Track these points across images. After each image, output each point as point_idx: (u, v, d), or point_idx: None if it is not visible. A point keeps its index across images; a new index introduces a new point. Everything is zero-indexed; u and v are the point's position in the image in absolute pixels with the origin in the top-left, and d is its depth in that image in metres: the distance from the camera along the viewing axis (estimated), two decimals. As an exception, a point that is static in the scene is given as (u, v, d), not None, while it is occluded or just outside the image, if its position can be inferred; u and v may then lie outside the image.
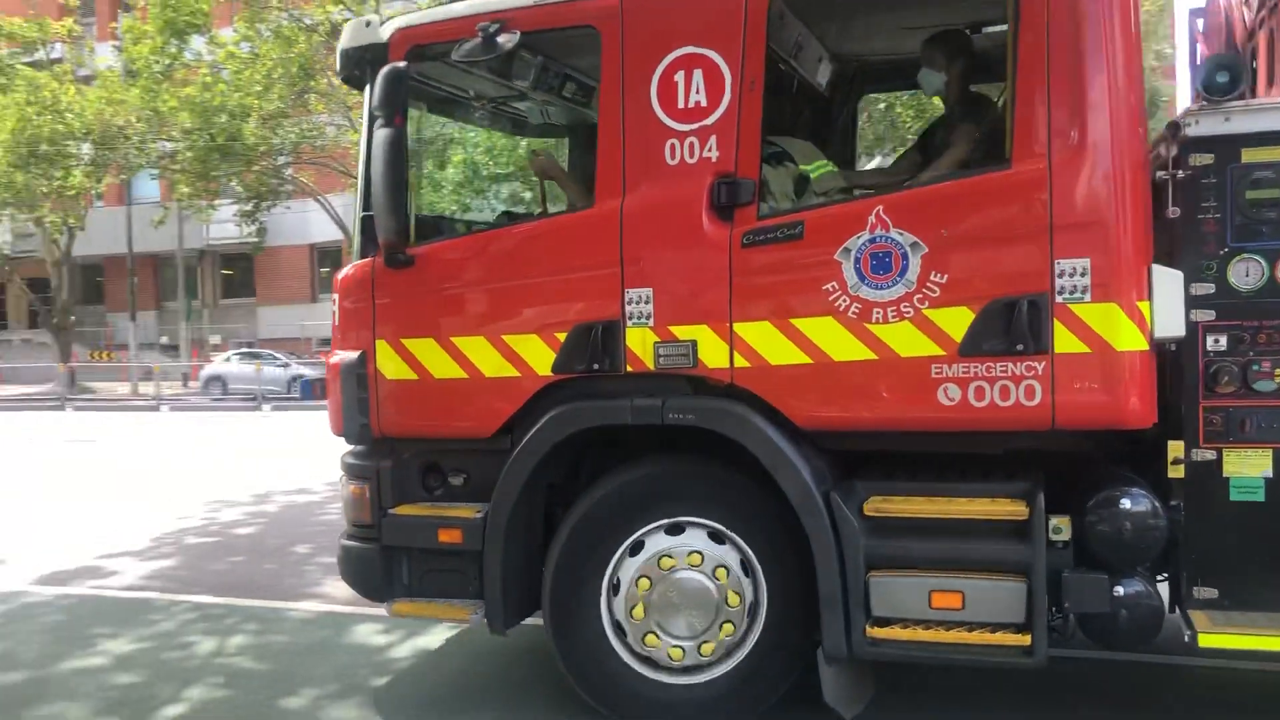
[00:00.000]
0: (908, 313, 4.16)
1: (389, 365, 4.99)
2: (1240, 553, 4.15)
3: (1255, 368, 4.09)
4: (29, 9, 27.76)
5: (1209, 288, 4.13)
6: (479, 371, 4.80)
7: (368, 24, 5.05)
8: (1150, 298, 4.06)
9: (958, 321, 4.11)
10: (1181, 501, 4.23)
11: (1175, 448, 4.21)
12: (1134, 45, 4.06)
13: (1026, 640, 4.07)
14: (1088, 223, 3.98)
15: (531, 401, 4.72)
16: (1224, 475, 4.15)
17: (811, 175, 4.67)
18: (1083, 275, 3.99)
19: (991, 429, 4.15)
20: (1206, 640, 4.03)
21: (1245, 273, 4.08)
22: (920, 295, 4.14)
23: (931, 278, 4.13)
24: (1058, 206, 4.00)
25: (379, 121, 4.69)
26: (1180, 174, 4.13)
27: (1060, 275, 4.00)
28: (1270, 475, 4.11)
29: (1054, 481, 4.24)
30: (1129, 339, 3.99)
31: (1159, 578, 4.36)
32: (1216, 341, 4.13)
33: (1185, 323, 4.14)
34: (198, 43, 24.45)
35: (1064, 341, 4.01)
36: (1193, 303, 4.15)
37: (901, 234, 4.17)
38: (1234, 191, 4.09)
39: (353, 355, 5.05)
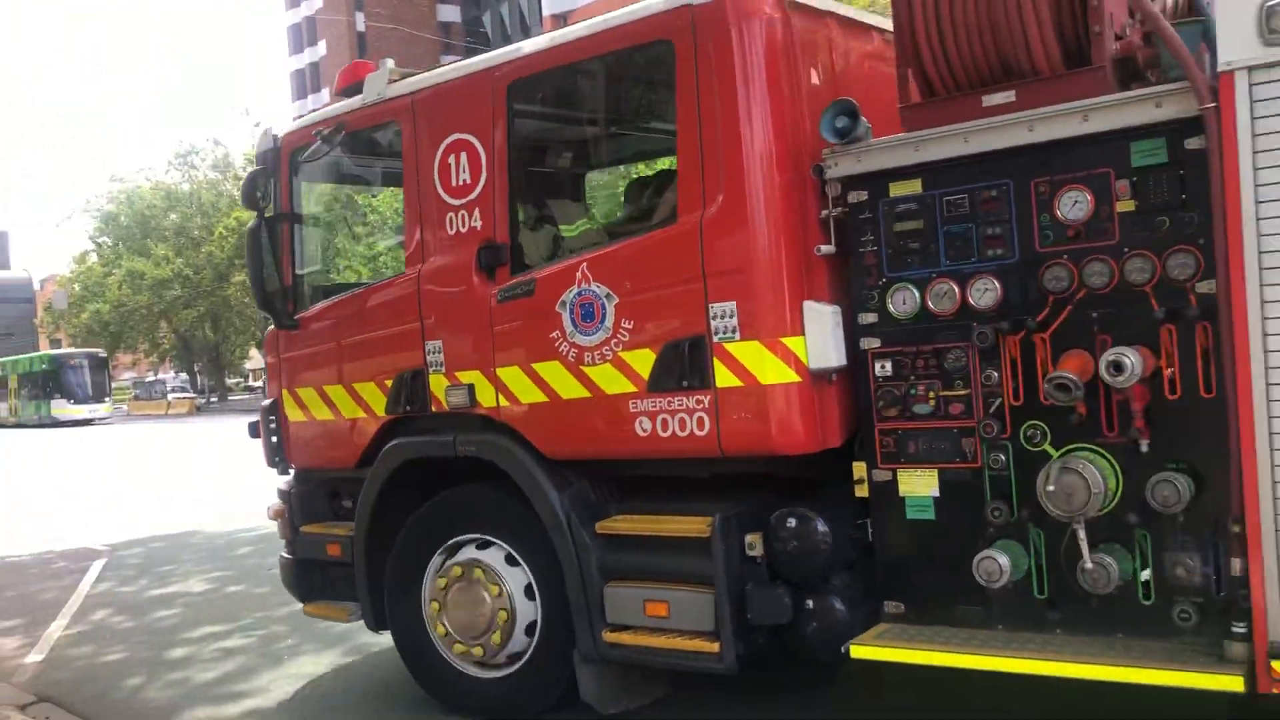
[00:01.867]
0: (608, 355, 4.79)
1: (291, 409, 6.22)
2: (918, 569, 4.43)
3: (913, 392, 4.37)
4: None
5: (873, 317, 4.45)
6: (341, 414, 5.91)
7: (261, 129, 6.27)
8: (804, 333, 4.41)
9: (645, 362, 4.70)
10: (866, 519, 4.54)
11: (859, 468, 4.54)
12: (777, 117, 4.41)
13: (716, 648, 4.58)
14: (731, 269, 4.45)
15: (380, 438, 5.74)
16: (900, 494, 4.44)
17: (565, 236, 5.35)
18: (731, 317, 4.46)
19: (678, 456, 4.69)
20: (858, 651, 4.37)
21: (902, 301, 4.36)
22: (616, 339, 4.77)
23: (623, 324, 4.75)
24: (708, 256, 4.49)
25: (255, 215, 5.92)
26: (838, 211, 4.46)
27: (714, 317, 4.50)
28: (938, 495, 4.36)
29: (773, 501, 4.64)
30: (775, 373, 4.41)
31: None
32: (884, 367, 4.44)
33: (849, 352, 4.46)
34: None
35: (723, 377, 4.50)
36: (861, 331, 4.47)
37: (599, 286, 4.81)
38: (885, 225, 4.38)
39: (269, 401, 6.33)
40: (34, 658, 7.42)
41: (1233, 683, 3.60)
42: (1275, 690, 3.52)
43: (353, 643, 6.97)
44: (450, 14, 74.44)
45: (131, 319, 55.93)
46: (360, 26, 71.35)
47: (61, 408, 51.28)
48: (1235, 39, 3.43)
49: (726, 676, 4.70)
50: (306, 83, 77.25)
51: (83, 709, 6.20)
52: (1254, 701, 3.62)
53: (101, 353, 55.12)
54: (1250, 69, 3.42)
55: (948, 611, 4.39)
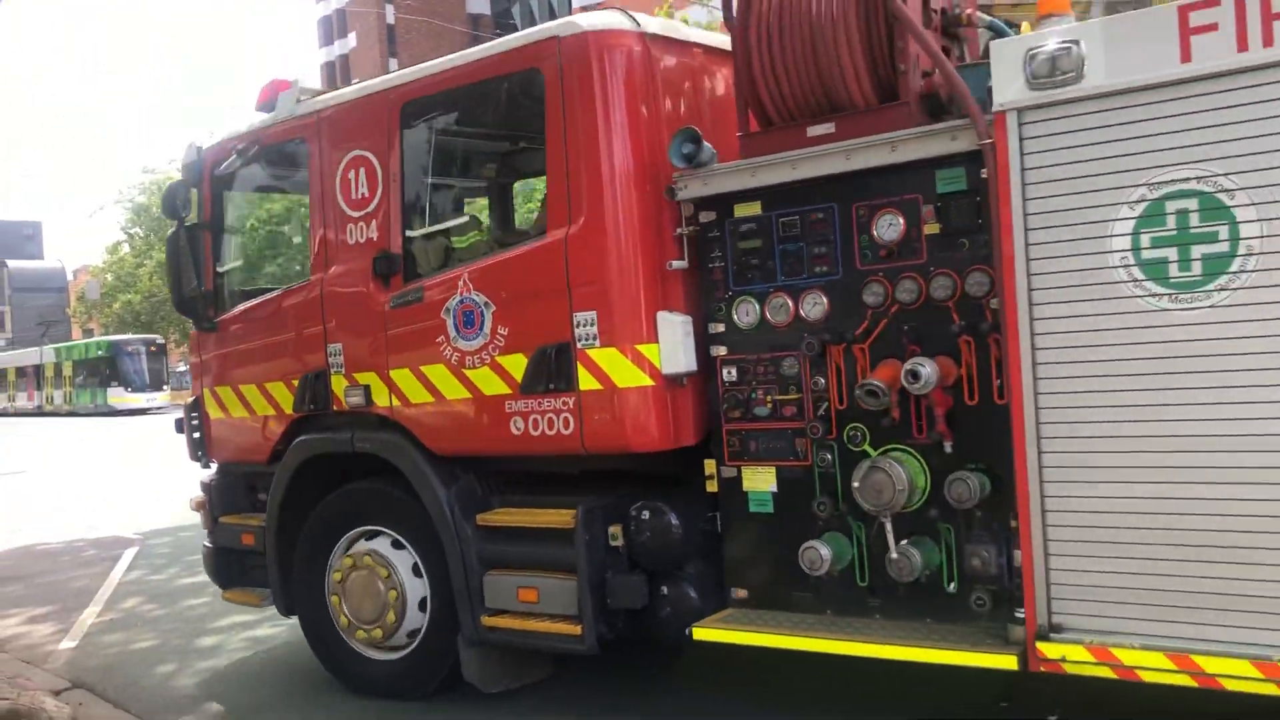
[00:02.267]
0: (486, 359, 5.19)
1: (211, 407, 6.61)
2: (760, 559, 4.83)
3: (754, 396, 4.77)
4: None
5: (721, 327, 4.85)
6: (254, 412, 6.29)
7: (191, 146, 6.66)
8: (658, 340, 4.81)
9: (518, 366, 5.09)
10: (717, 512, 4.94)
11: (709, 465, 4.94)
12: (635, 142, 4.80)
13: (579, 630, 4.98)
14: (592, 282, 4.85)
15: (289, 435, 6.13)
16: (744, 490, 4.85)
17: (456, 247, 5.74)
18: (592, 325, 4.86)
19: (548, 453, 5.08)
20: (699, 634, 4.77)
21: (745, 313, 4.76)
22: (493, 345, 5.17)
23: (499, 331, 5.15)
24: (572, 269, 4.89)
25: (175, 224, 6.30)
26: (690, 229, 4.86)
27: (577, 325, 4.89)
28: (775, 490, 4.76)
29: (636, 495, 5.02)
30: (630, 377, 4.81)
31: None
32: (730, 373, 4.84)
33: (699, 358, 4.86)
34: None
35: (585, 380, 4.90)
36: (710, 340, 4.88)
37: (479, 295, 5.21)
38: (730, 243, 4.78)
39: (192, 399, 6.72)
40: (67, 644, 7.57)
41: (1009, 662, 4.00)
42: (1043, 669, 3.92)
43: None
44: (480, 5, 73.89)
45: (163, 309, 55.09)
46: (390, 19, 71.38)
47: (119, 396, 48.85)
48: (1007, 83, 3.83)
49: (592, 658, 5.09)
50: (336, 75, 77.30)
51: (114, 695, 6.33)
52: (1026, 672, 4.00)
53: (160, 339, 52.31)
54: (1020, 110, 3.82)
55: (785, 598, 4.78)
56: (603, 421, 4.88)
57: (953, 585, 4.36)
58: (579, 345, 4.90)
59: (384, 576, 5.63)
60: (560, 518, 5.07)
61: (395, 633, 5.65)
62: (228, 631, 7.63)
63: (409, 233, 5.61)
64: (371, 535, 5.81)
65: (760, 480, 4.81)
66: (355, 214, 5.72)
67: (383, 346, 5.61)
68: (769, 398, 4.74)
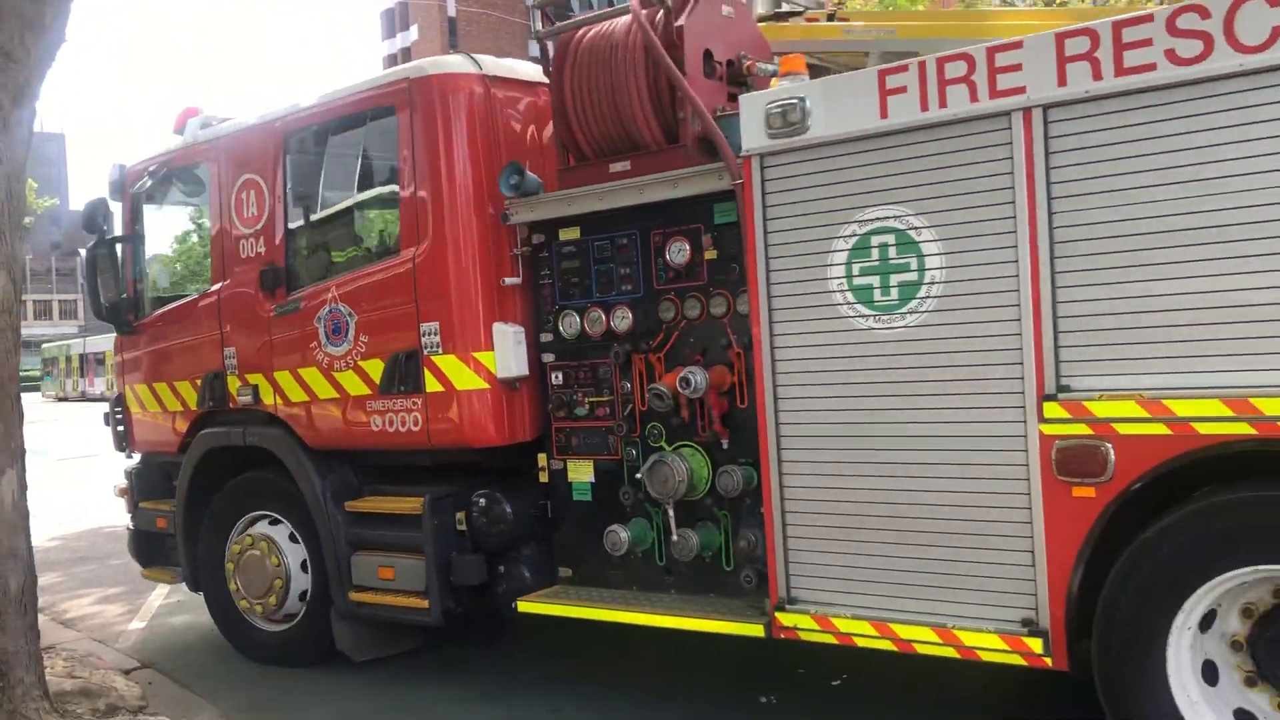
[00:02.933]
0: (351, 364, 5.86)
1: (131, 403, 7.31)
2: (581, 541, 5.49)
3: (575, 397, 5.43)
4: None
5: (549, 336, 5.51)
6: (166, 407, 6.98)
7: (115, 165, 7.34)
8: (493, 348, 5.47)
9: (376, 370, 5.77)
10: (547, 501, 5.60)
11: (542, 459, 5.60)
12: (475, 173, 5.45)
13: (427, 604, 5.65)
14: (436, 296, 5.51)
15: (194, 429, 6.81)
16: (569, 480, 5.51)
17: (335, 261, 6.40)
18: (436, 334, 5.52)
19: (402, 447, 5.75)
20: (524, 607, 5.44)
21: (569, 324, 5.42)
22: (356, 351, 5.84)
23: (361, 339, 5.82)
24: (419, 285, 5.56)
25: (96, 237, 6.99)
26: (524, 250, 5.52)
27: (424, 335, 5.56)
28: (594, 481, 5.42)
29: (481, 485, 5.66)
30: (468, 381, 5.48)
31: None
32: (557, 377, 5.50)
33: (532, 365, 5.52)
34: None
35: (430, 383, 5.56)
36: (541, 348, 5.54)
37: (345, 306, 5.88)
38: (556, 262, 5.44)
39: (116, 395, 7.42)
40: (136, 625, 7.84)
41: (758, 630, 4.65)
42: (784, 635, 4.56)
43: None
44: None
45: None
46: (452, 11, 71.96)
47: None
48: (751, 131, 4.47)
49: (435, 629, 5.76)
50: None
51: (181, 676, 6.54)
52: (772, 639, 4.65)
53: None
54: (761, 155, 4.46)
55: (603, 575, 5.45)
56: (445, 420, 5.55)
57: (730, 565, 5.00)
58: (425, 352, 5.57)
59: (274, 564, 6.31)
60: (411, 505, 5.74)
61: (276, 613, 6.32)
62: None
63: (291, 248, 6.27)
64: (272, 521, 6.48)
65: (581, 472, 5.47)
66: (247, 230, 6.40)
67: (268, 350, 6.29)
68: (587, 399, 5.39)
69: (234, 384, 6.50)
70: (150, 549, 7.40)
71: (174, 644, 7.34)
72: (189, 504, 6.86)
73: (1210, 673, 3.83)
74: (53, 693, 5.40)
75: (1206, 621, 3.81)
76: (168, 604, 8.45)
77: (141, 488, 7.39)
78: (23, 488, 5.12)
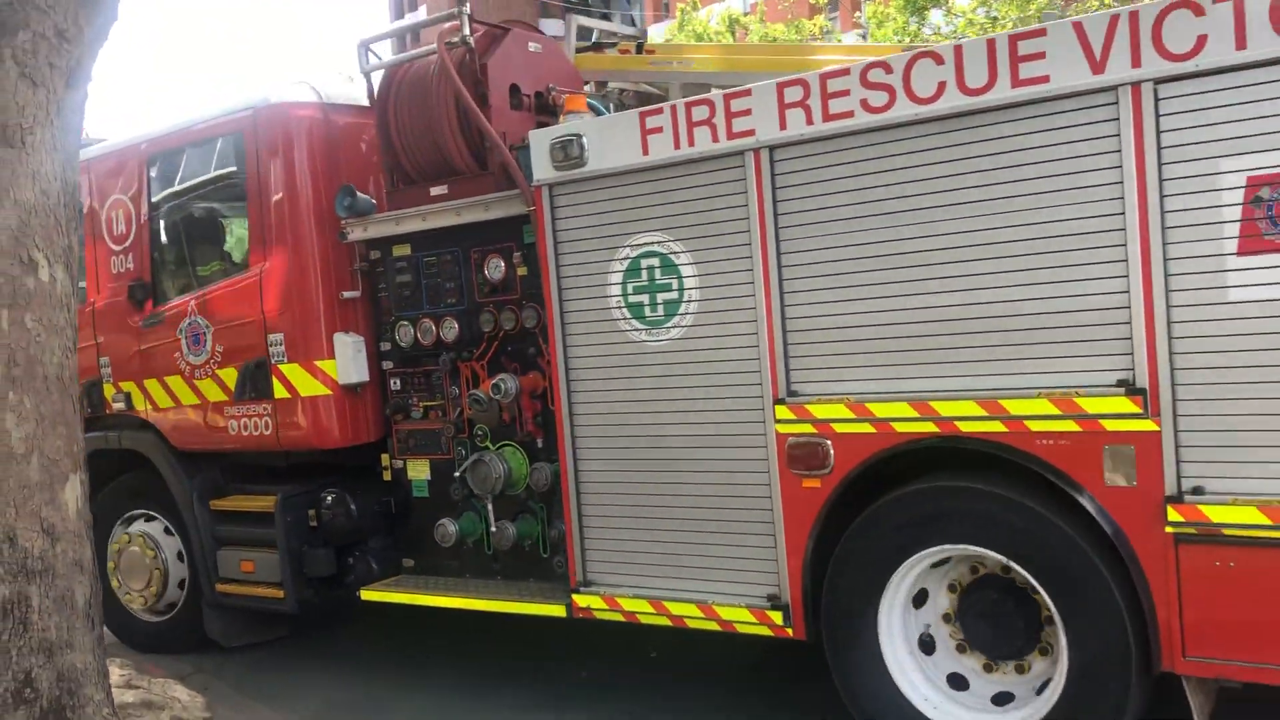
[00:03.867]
0: (209, 372, 6.37)
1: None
2: (420, 534, 6.05)
3: (411, 401, 5.98)
4: (787, 15, 30.11)
5: (388, 345, 6.06)
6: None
7: None
8: (334, 356, 6.00)
9: (231, 378, 6.28)
10: (391, 497, 6.15)
11: (385, 458, 6.14)
12: (315, 194, 5.96)
13: (281, 594, 6.19)
14: (281, 309, 6.03)
15: None
16: (409, 478, 6.06)
17: (200, 276, 6.89)
18: (281, 345, 6.05)
19: (255, 449, 6.28)
20: (366, 595, 6.00)
21: (404, 334, 5.96)
22: (213, 360, 6.35)
23: (217, 348, 6.33)
24: (265, 299, 6.08)
25: None
26: (363, 265, 6.05)
27: (271, 345, 6.08)
28: (430, 478, 5.98)
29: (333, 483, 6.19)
30: (311, 388, 6.01)
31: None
32: (395, 383, 6.05)
33: (373, 371, 6.05)
34: (935, 16, 25.04)
35: (279, 390, 6.09)
36: (381, 356, 6.08)
37: (203, 319, 6.38)
38: (391, 276, 5.97)
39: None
40: None
41: (559, 610, 5.24)
42: (580, 615, 5.16)
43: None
44: None
45: None
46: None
47: None
48: (541, 163, 5.04)
49: (293, 617, 6.32)
50: (407, 47, 76.77)
51: (236, 680, 6.47)
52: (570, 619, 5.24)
53: None
54: (549, 185, 5.03)
55: (440, 565, 6.03)
56: (292, 424, 6.09)
57: (546, 552, 5.59)
58: (273, 361, 6.09)
59: (151, 557, 6.82)
60: (266, 503, 6.28)
61: (157, 603, 6.84)
62: (360, 619, 7.25)
63: (155, 264, 6.76)
64: (149, 518, 6.98)
65: (419, 470, 6.03)
66: (117, 248, 6.88)
67: (138, 360, 6.79)
68: (421, 404, 5.96)
69: (109, 391, 6.99)
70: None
71: (226, 649, 6.93)
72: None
73: (928, 644, 4.46)
74: (115, 704, 5.12)
75: (920, 599, 4.45)
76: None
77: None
78: (85, 495, 4.89)
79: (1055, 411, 3.92)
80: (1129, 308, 3.77)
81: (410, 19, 75.01)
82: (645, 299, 4.85)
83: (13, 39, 4.40)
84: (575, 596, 5.18)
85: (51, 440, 4.63)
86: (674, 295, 4.77)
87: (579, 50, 6.41)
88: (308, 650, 6.94)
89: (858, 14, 33.31)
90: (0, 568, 4.47)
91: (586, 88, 6.35)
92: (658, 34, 37.67)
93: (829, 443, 4.40)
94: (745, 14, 30.75)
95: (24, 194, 4.52)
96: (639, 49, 6.39)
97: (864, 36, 28.06)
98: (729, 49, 9.48)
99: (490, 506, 5.60)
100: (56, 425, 4.67)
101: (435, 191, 5.69)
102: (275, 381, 6.12)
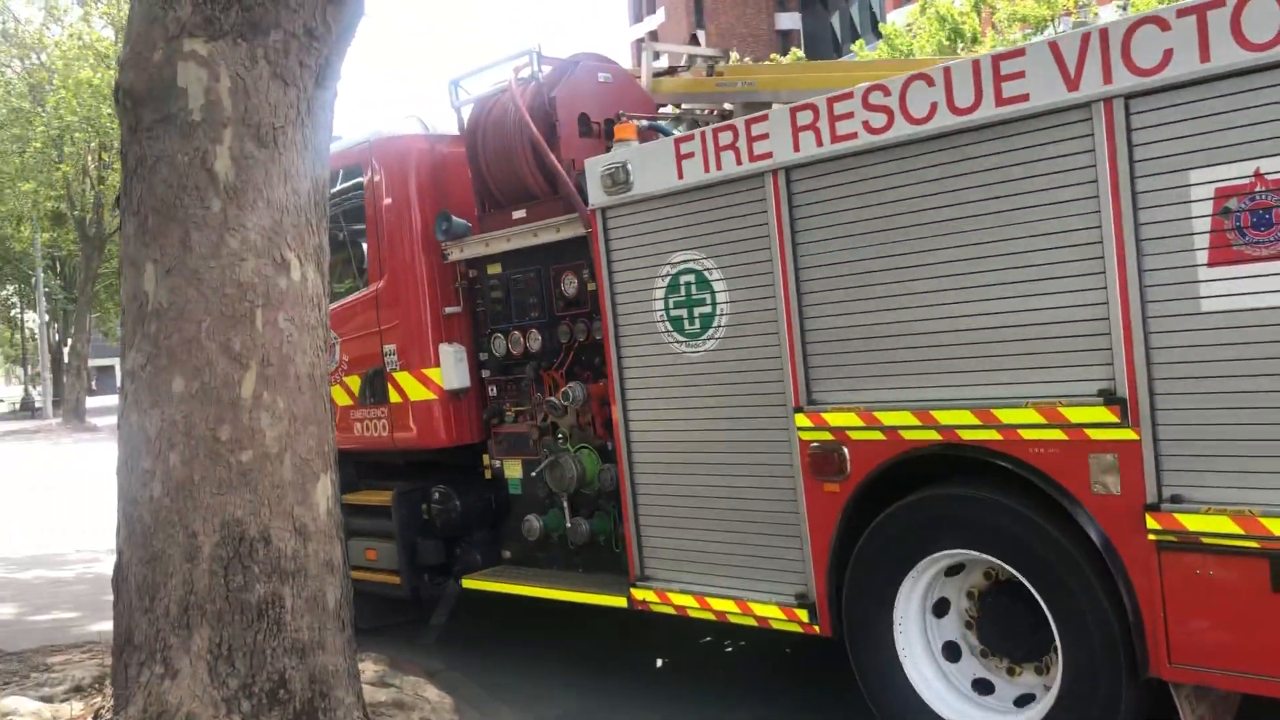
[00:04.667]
0: (339, 379, 7.17)
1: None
2: (516, 528, 6.63)
3: (504, 406, 6.57)
4: None
5: (485, 355, 6.67)
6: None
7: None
8: (439, 365, 6.67)
9: (355, 385, 7.05)
10: (491, 494, 6.77)
11: (485, 458, 6.77)
12: (423, 219, 6.62)
13: (398, 580, 6.92)
14: (394, 323, 6.74)
15: None
16: (506, 476, 6.66)
17: (337, 293, 7.70)
18: (395, 354, 6.77)
19: (376, 449, 7.02)
20: (467, 584, 6.62)
21: (498, 345, 6.56)
22: (342, 368, 7.14)
23: (344, 358, 7.12)
24: (381, 314, 6.81)
25: None
26: (463, 283, 6.69)
27: (386, 355, 6.81)
28: (521, 477, 6.55)
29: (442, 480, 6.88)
30: (419, 393, 6.70)
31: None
32: (492, 390, 6.66)
33: (474, 379, 6.68)
34: None
35: (393, 395, 6.82)
36: (480, 365, 6.70)
37: (333, 332, 7.17)
38: (486, 293, 6.58)
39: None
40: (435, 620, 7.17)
41: (621, 602, 5.66)
42: (639, 608, 5.57)
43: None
44: None
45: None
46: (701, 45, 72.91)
47: None
48: (595, 189, 5.48)
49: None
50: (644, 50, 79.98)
51: (482, 679, 6.44)
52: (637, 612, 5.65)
53: None
54: (602, 209, 5.47)
55: (534, 557, 6.57)
56: (404, 426, 6.78)
57: (618, 548, 6.04)
58: (389, 369, 6.79)
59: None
60: (385, 497, 6.99)
61: None
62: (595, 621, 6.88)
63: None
64: None
65: (513, 470, 6.60)
66: (267, 268, 7.77)
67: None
68: (513, 408, 6.52)
69: (263, 397, 7.90)
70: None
71: (471, 643, 7.09)
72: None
73: (955, 650, 4.63)
74: (367, 703, 5.04)
75: (941, 608, 4.62)
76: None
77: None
78: (336, 495, 4.78)
79: (1042, 420, 4.04)
80: (1108, 319, 3.86)
81: (649, 21, 76.78)
82: (684, 313, 5.21)
83: (265, 39, 4.40)
84: (633, 590, 5.59)
85: (304, 440, 4.56)
86: (708, 309, 5.11)
87: (656, 75, 6.80)
88: (552, 650, 6.95)
89: (1110, -17, 32.20)
90: (255, 567, 4.42)
91: (665, 109, 6.75)
92: (899, 18, 37.17)
93: (845, 449, 4.64)
94: None
95: (276, 194, 4.48)
96: (710, 71, 6.72)
97: (1124, 8, 27.05)
98: (791, 68, 9.62)
99: (566, 504, 6.08)
100: (308, 425, 4.60)
101: (516, 215, 6.23)
102: (390, 388, 6.82)
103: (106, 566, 10.03)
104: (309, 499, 4.59)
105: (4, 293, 62.67)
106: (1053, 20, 28.55)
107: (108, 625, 7.22)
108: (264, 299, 4.46)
